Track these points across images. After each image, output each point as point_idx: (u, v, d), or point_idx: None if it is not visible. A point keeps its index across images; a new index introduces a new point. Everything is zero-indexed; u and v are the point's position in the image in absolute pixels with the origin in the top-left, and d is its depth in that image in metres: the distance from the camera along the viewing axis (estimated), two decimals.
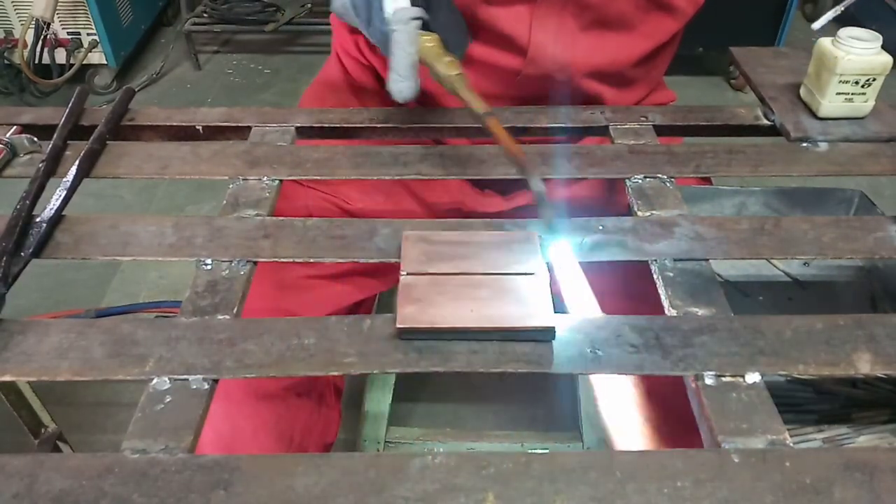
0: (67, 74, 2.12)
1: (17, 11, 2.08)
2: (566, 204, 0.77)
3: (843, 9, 0.67)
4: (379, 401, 1.07)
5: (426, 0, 0.56)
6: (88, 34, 2.13)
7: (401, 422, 1.22)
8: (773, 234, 0.55)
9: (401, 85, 0.55)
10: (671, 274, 0.51)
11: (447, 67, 0.54)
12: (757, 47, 0.79)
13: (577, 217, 0.56)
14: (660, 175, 0.61)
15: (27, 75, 2.06)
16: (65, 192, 0.58)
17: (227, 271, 0.52)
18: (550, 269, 0.50)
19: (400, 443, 1.14)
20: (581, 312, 0.48)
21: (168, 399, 0.43)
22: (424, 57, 0.55)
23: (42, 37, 2.06)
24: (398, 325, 0.45)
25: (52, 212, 0.56)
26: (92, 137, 0.64)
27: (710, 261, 0.52)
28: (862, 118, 0.67)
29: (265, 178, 0.61)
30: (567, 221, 0.54)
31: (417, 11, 0.55)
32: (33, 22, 2.02)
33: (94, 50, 2.15)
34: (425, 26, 0.56)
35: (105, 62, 2.19)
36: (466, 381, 1.32)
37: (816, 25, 0.63)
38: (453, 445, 1.15)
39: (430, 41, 0.55)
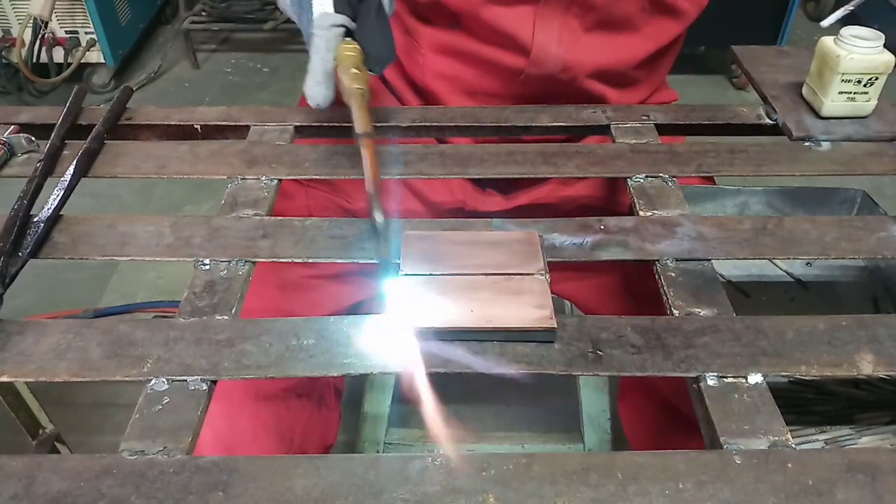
0: (65, 73, 2.11)
1: (15, 10, 2.07)
2: (563, 204, 0.77)
3: (853, 8, 0.67)
4: (379, 402, 1.07)
5: (353, 9, 0.54)
6: (86, 33, 2.12)
7: (400, 423, 1.22)
8: (775, 234, 0.54)
9: (314, 90, 0.54)
10: (673, 274, 0.51)
11: (351, 79, 0.52)
12: (759, 46, 0.79)
13: (578, 216, 0.56)
14: (662, 174, 0.61)
15: (25, 74, 2.06)
16: (62, 191, 0.57)
17: (225, 271, 0.51)
18: (384, 295, 0.49)
19: (400, 444, 1.13)
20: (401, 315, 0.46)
21: (166, 400, 0.42)
22: (339, 64, 0.53)
23: (40, 36, 2.05)
24: (398, 326, 0.45)
25: (50, 212, 0.55)
26: (90, 137, 0.64)
27: (713, 261, 0.52)
28: (864, 117, 0.67)
29: (264, 178, 0.61)
30: (555, 223, 0.53)
31: (340, 19, 0.53)
32: (31, 21, 2.01)
33: (91, 49, 2.15)
34: (351, 35, 0.55)
35: (103, 61, 2.18)
36: (467, 381, 1.32)
37: (825, 23, 0.63)
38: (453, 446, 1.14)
39: (349, 50, 0.53)
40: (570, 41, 0.68)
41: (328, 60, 0.53)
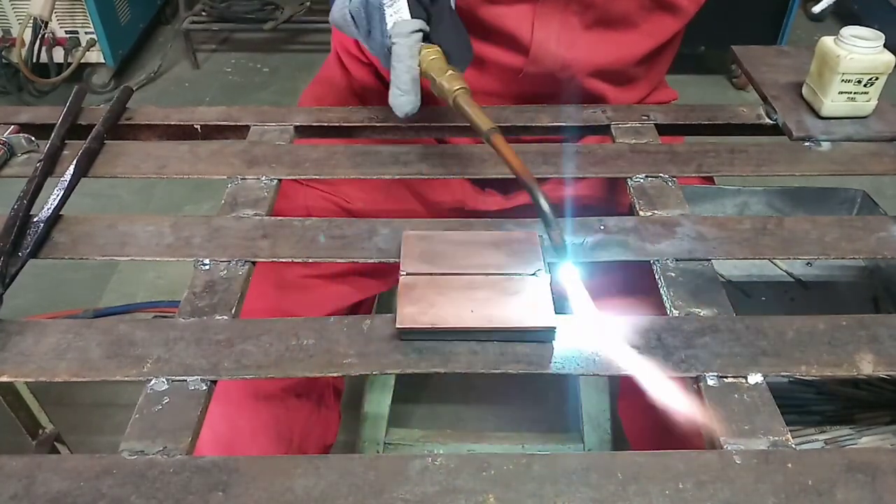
0: (65, 73, 2.11)
1: (15, 10, 2.07)
2: (562, 204, 0.77)
3: None
4: (378, 402, 1.07)
5: (428, 13, 0.54)
6: (86, 33, 2.12)
7: (400, 423, 1.22)
8: (775, 234, 0.54)
9: (402, 99, 0.54)
10: (673, 274, 0.51)
11: (450, 81, 0.52)
12: (759, 46, 0.79)
13: (578, 216, 0.56)
14: (661, 174, 0.61)
15: (25, 74, 2.06)
16: (62, 191, 0.57)
17: (225, 271, 0.51)
18: (556, 287, 0.48)
19: (400, 444, 1.13)
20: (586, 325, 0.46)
21: (166, 400, 0.42)
22: (426, 70, 0.53)
23: (40, 36, 2.05)
24: (398, 326, 0.45)
25: (50, 212, 0.55)
26: (90, 137, 0.64)
27: (712, 261, 0.52)
28: (864, 117, 0.67)
29: (264, 178, 0.61)
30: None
31: (419, 24, 0.53)
32: (31, 21, 2.01)
33: (91, 49, 2.15)
34: (427, 39, 0.54)
35: (103, 61, 2.18)
36: (467, 381, 1.32)
37: (816, 9, 0.63)
38: (453, 447, 1.14)
39: (432, 54, 0.53)
40: (569, 39, 0.68)
41: (413, 68, 0.53)
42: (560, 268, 0.48)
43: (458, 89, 0.52)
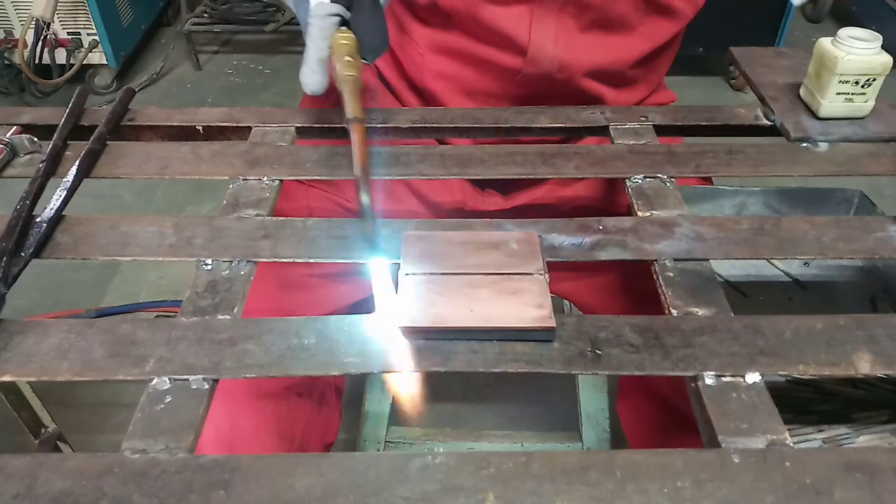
0: (67, 74, 2.12)
1: (18, 11, 2.08)
2: (562, 204, 0.77)
3: None
4: (379, 401, 1.07)
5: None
6: (88, 34, 2.13)
7: (401, 422, 1.22)
8: (773, 235, 0.55)
9: (309, 78, 0.56)
10: (671, 274, 0.51)
11: (344, 67, 0.54)
12: (757, 47, 0.79)
13: (577, 217, 0.56)
14: (660, 175, 0.61)
15: (27, 75, 2.06)
16: (65, 192, 0.58)
17: (227, 271, 0.52)
18: (370, 274, 0.51)
19: (400, 443, 1.14)
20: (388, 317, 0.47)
21: (168, 399, 0.43)
22: (332, 53, 0.55)
23: (42, 37, 2.06)
24: (398, 325, 0.45)
25: (52, 212, 0.56)
26: (92, 138, 0.64)
27: (711, 261, 0.52)
28: (862, 118, 0.67)
29: (265, 179, 0.61)
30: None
31: (336, 8, 0.55)
32: (33, 22, 2.02)
33: (94, 50, 2.15)
34: (346, 24, 0.56)
35: (105, 62, 2.19)
36: (466, 381, 1.32)
37: (796, 1, 0.63)
38: (453, 445, 1.15)
39: (343, 39, 0.55)
40: (567, 41, 0.68)
41: (323, 48, 0.55)
42: (372, 261, 0.51)
43: (346, 75, 0.54)
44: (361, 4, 0.56)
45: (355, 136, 0.53)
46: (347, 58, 0.54)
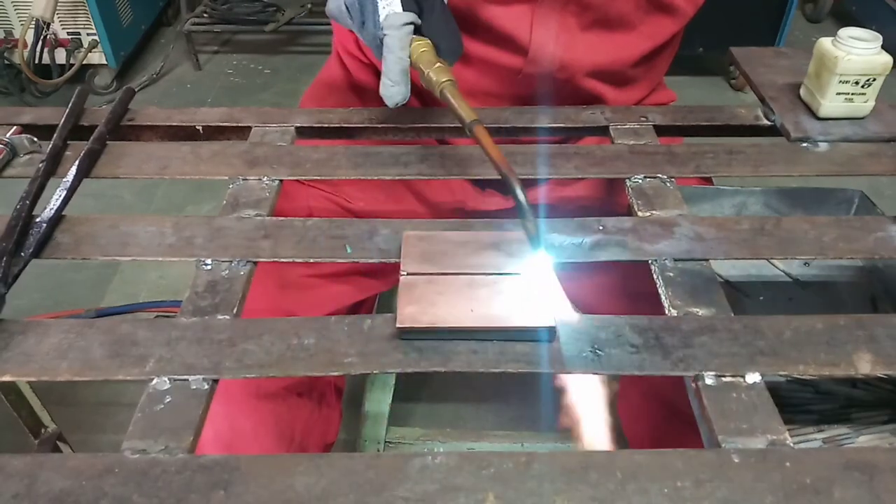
0: (67, 74, 2.12)
1: (17, 11, 2.08)
2: (562, 204, 0.77)
3: None
4: (379, 401, 1.07)
5: (419, 5, 0.55)
6: (88, 34, 2.13)
7: (401, 422, 1.22)
8: (773, 235, 0.55)
9: (392, 90, 0.55)
10: (671, 274, 0.51)
11: (437, 73, 0.53)
12: (757, 47, 0.79)
13: (577, 217, 0.56)
14: (660, 175, 0.61)
15: (27, 75, 2.06)
16: (65, 192, 0.58)
17: (227, 271, 0.52)
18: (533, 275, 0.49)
19: (400, 443, 1.14)
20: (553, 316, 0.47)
21: (168, 399, 0.43)
22: (416, 62, 0.55)
23: (42, 37, 2.06)
24: (398, 325, 0.45)
25: (52, 212, 0.56)
26: (92, 137, 0.64)
27: (711, 261, 0.52)
28: (862, 118, 0.67)
29: (265, 179, 0.61)
30: (554, 222, 0.53)
31: (410, 17, 0.55)
32: (33, 22, 2.02)
33: (94, 50, 2.15)
34: (418, 31, 0.56)
35: (105, 62, 2.19)
36: (467, 381, 1.32)
37: None
38: (453, 445, 1.15)
39: (422, 46, 0.55)
40: (567, 40, 0.68)
41: (403, 59, 0.55)
42: (534, 257, 0.49)
43: (444, 81, 0.53)
44: (433, 9, 0.56)
45: (483, 139, 0.51)
46: (438, 64, 0.54)
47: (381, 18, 0.55)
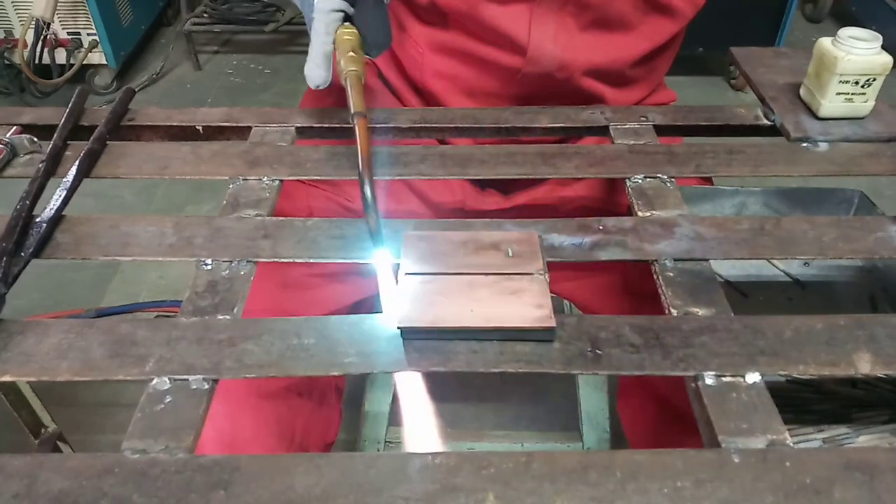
0: (67, 74, 2.12)
1: (17, 11, 2.08)
2: (562, 204, 0.77)
3: None
4: (379, 401, 1.07)
5: None
6: (88, 34, 2.13)
7: (401, 422, 1.22)
8: (773, 235, 0.55)
9: (314, 72, 0.57)
10: (671, 274, 0.51)
11: (347, 62, 0.55)
12: (757, 47, 0.79)
13: (577, 217, 0.56)
14: (660, 175, 0.61)
15: (27, 75, 2.06)
16: (65, 192, 0.58)
17: (227, 271, 0.52)
18: (373, 269, 0.51)
19: (400, 443, 1.13)
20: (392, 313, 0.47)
21: (168, 399, 0.43)
22: (336, 47, 0.57)
23: (42, 37, 2.06)
24: (398, 325, 0.45)
25: (52, 212, 0.56)
26: (92, 137, 0.64)
27: (711, 261, 0.52)
28: (862, 118, 0.67)
29: (265, 179, 0.61)
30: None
31: (340, 4, 0.56)
32: (33, 22, 2.02)
33: (94, 50, 2.15)
34: (349, 20, 0.58)
35: (105, 62, 2.19)
36: (466, 380, 1.32)
37: None
38: (453, 445, 1.15)
39: (346, 34, 0.56)
40: (566, 40, 0.68)
41: (327, 43, 0.57)
42: (375, 253, 0.51)
43: (350, 70, 0.55)
44: (366, 1, 0.57)
45: (359, 130, 0.54)
46: (351, 53, 0.56)
47: (316, 2, 0.57)
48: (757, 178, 0.63)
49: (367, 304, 0.86)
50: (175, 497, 0.37)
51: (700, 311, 0.48)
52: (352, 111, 0.55)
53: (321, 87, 0.58)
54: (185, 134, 0.70)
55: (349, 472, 0.38)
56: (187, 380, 0.44)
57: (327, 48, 0.57)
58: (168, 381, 0.43)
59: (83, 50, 2.14)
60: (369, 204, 0.51)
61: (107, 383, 0.45)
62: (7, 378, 0.44)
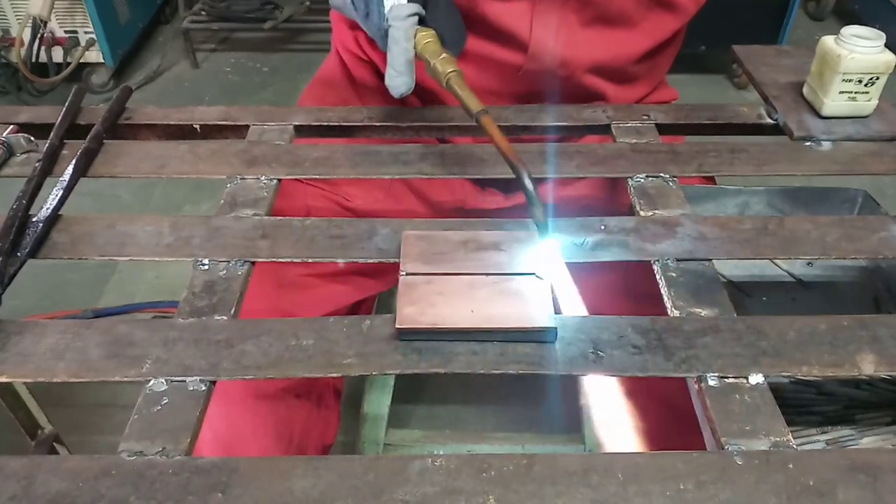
0: (64, 73, 2.11)
1: (15, 10, 2.07)
2: (563, 204, 0.77)
3: None
4: (378, 402, 1.07)
5: None
6: (86, 32, 2.12)
7: (400, 424, 1.22)
8: (776, 234, 0.54)
9: (397, 80, 0.56)
10: (674, 274, 0.51)
11: (443, 64, 0.54)
12: (760, 46, 0.78)
13: (579, 216, 0.56)
14: (662, 174, 0.61)
15: (24, 74, 2.06)
16: (61, 191, 0.57)
17: (224, 271, 0.51)
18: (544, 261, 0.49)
19: (399, 445, 1.13)
20: (569, 312, 0.48)
21: (165, 401, 0.42)
22: (421, 53, 0.55)
23: (39, 35, 2.05)
24: (398, 326, 0.45)
25: (49, 211, 0.55)
26: (89, 136, 0.64)
27: (713, 261, 0.52)
28: (865, 117, 0.66)
29: (263, 178, 0.61)
30: (556, 222, 0.53)
31: (415, 7, 0.55)
32: (30, 20, 2.01)
33: (91, 48, 2.14)
34: (423, 22, 0.56)
35: (102, 61, 2.18)
36: (467, 382, 1.32)
37: None
38: (453, 447, 1.14)
39: (427, 37, 0.55)
40: (568, 36, 0.68)
41: (409, 50, 0.55)
42: (542, 244, 0.50)
43: (451, 72, 0.54)
44: (437, 1, 0.56)
45: (490, 128, 0.52)
46: (443, 55, 0.54)
47: (386, 10, 0.55)
48: (760, 178, 0.63)
49: (366, 305, 0.86)
50: (173, 499, 0.37)
51: (703, 312, 0.48)
52: (473, 112, 0.53)
53: (405, 95, 0.56)
54: (182, 133, 0.70)
55: (348, 475, 0.38)
56: (184, 381, 0.43)
57: (409, 55, 0.55)
58: (165, 383, 0.43)
59: (80, 48, 2.13)
60: (534, 198, 0.48)
61: (104, 384, 0.45)
62: (4, 379, 0.44)
